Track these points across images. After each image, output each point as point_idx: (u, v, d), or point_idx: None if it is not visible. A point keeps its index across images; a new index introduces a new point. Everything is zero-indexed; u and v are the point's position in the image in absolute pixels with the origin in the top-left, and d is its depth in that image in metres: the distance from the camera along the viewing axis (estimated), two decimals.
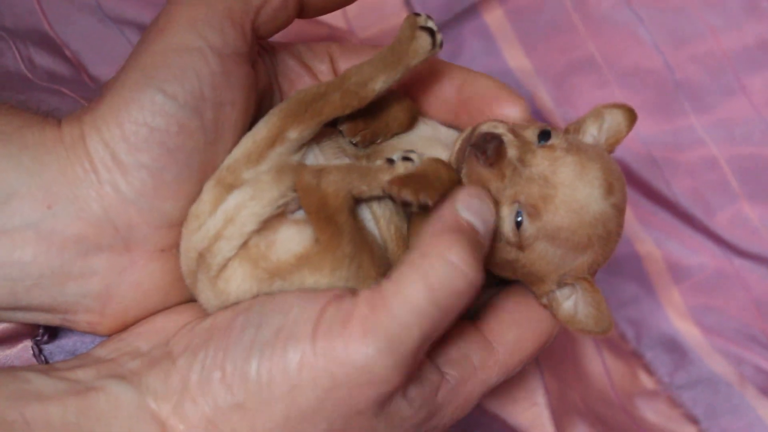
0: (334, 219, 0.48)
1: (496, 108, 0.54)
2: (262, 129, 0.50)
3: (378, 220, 0.51)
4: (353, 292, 0.46)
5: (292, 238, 0.49)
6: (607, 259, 0.52)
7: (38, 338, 0.53)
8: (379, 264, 0.49)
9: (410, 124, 0.55)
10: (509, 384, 0.66)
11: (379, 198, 0.51)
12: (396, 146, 0.54)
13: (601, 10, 0.84)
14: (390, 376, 0.44)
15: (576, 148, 0.50)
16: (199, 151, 0.48)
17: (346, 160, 0.53)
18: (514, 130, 0.51)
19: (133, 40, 0.75)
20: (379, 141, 0.54)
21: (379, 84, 0.51)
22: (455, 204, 0.48)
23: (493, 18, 0.85)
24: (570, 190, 0.49)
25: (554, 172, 0.49)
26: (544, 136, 0.51)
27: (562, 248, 0.50)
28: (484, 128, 0.50)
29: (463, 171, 0.51)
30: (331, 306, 0.46)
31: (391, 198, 0.48)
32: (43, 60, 0.72)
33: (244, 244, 0.49)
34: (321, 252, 0.48)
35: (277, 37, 0.54)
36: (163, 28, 0.48)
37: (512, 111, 0.54)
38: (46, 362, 0.53)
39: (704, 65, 0.84)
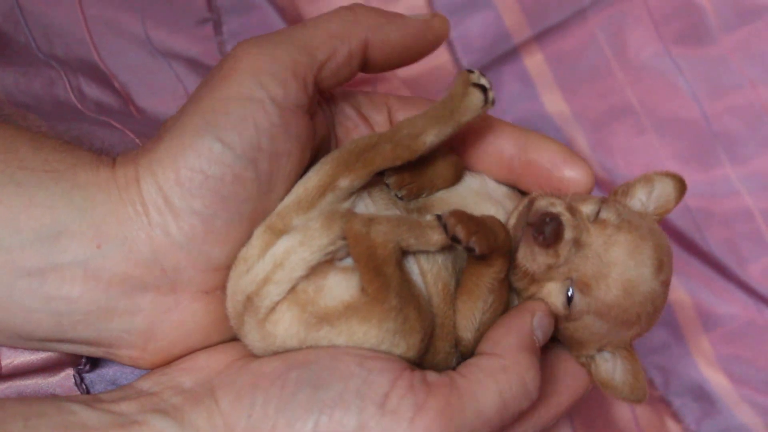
0: (382, 270, 0.48)
1: (563, 172, 0.54)
2: (314, 177, 0.50)
3: (425, 274, 0.51)
4: (422, 372, 0.48)
5: (340, 285, 0.49)
6: (649, 330, 0.52)
7: (80, 367, 0.54)
8: (424, 318, 0.49)
9: (455, 179, 0.55)
10: None
11: (427, 252, 0.51)
12: (445, 199, 0.55)
13: (641, 58, 0.84)
14: None
15: (628, 225, 0.50)
16: (251, 199, 0.48)
17: (396, 211, 0.53)
18: (570, 206, 0.51)
19: (181, 74, 0.75)
20: (424, 195, 0.54)
21: (431, 138, 0.51)
22: (534, 320, 0.50)
23: (534, 62, 0.85)
24: (623, 269, 0.49)
25: (607, 251, 0.49)
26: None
27: (610, 323, 0.50)
28: (542, 205, 0.50)
29: (520, 249, 0.51)
30: (402, 381, 0.46)
31: (444, 228, 0.48)
32: (92, 91, 0.72)
33: (292, 289, 0.49)
34: (369, 303, 0.48)
35: None
36: (226, 75, 0.48)
37: (580, 176, 0.54)
38: (87, 391, 0.54)
39: (742, 116, 0.84)
